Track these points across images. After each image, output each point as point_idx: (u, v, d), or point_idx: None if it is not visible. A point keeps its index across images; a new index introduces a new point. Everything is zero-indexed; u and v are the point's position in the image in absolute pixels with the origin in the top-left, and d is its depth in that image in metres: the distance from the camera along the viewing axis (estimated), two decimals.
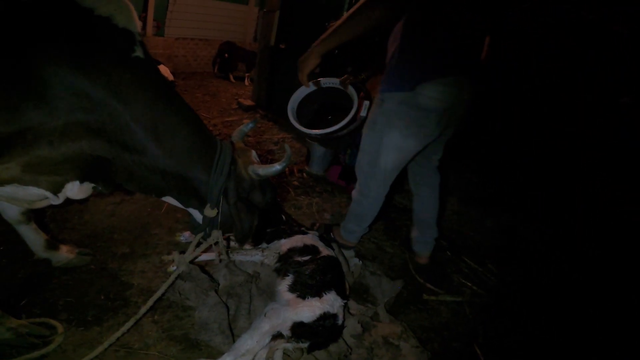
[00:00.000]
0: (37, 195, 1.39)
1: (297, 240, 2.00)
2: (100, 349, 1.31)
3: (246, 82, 7.81)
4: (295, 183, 3.23)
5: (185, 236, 2.19)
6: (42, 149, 1.23)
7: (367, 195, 2.07)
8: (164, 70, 6.27)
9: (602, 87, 3.13)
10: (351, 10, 1.64)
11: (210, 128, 4.42)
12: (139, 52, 1.35)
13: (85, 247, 2.04)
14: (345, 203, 3.01)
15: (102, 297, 1.71)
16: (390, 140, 1.84)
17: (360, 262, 2.15)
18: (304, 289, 1.63)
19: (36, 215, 1.82)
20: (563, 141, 3.35)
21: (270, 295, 1.74)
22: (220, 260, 1.86)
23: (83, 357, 1.31)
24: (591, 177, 3.08)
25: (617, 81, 3.08)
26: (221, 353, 1.40)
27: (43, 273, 1.81)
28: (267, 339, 1.40)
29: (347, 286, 1.87)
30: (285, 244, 2.00)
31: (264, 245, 2.06)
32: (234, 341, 1.46)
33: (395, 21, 1.83)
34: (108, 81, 1.26)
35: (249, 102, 5.47)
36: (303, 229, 2.22)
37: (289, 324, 1.45)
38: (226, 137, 4.02)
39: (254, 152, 1.76)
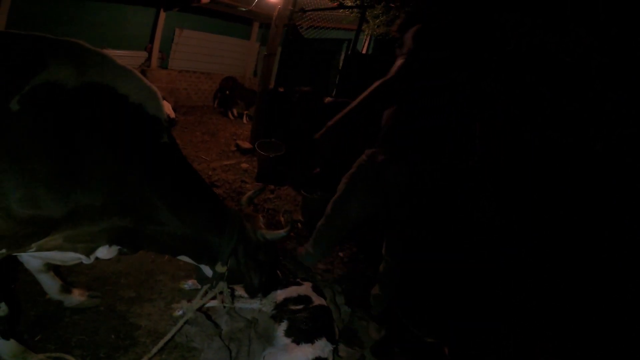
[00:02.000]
0: (72, 258, 1.57)
1: (292, 291, 2.20)
2: None
3: (244, 120, 8.06)
4: (291, 234, 3.40)
5: (189, 284, 2.36)
6: (84, 225, 1.39)
7: (326, 226, 2.50)
8: (167, 107, 6.52)
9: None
10: (356, 101, 2.06)
11: (210, 172, 4.64)
12: (165, 138, 1.53)
13: (94, 290, 2.19)
14: (337, 252, 3.21)
15: (113, 337, 1.86)
16: (354, 197, 2.33)
17: (350, 309, 2.35)
18: (298, 335, 1.82)
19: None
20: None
21: (267, 339, 1.92)
22: (225, 307, 2.05)
23: None
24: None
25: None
26: None
27: (55, 312, 1.96)
28: None
29: (337, 331, 2.07)
30: (280, 294, 2.19)
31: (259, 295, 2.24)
32: None
33: None
34: (141, 167, 1.42)
35: (247, 145, 5.68)
36: (298, 280, 2.42)
37: None
38: (224, 183, 4.28)
39: (261, 218, 1.99)
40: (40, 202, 1.21)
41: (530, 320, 2.29)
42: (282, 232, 1.82)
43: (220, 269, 1.80)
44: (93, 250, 1.56)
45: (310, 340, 1.79)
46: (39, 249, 1.42)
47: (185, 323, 1.86)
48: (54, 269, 2.10)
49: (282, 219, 1.86)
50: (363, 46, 6.66)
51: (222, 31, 8.89)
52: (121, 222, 1.47)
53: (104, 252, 1.60)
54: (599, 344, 2.16)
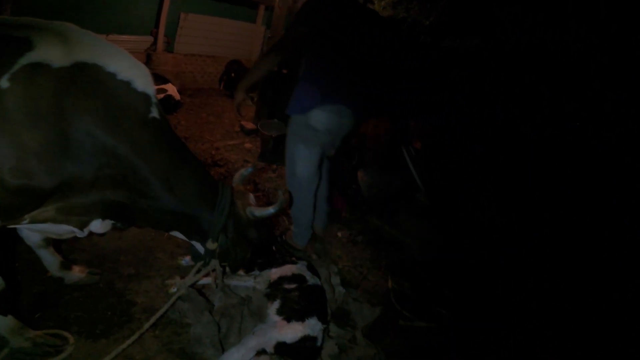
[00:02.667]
0: (66, 230, 1.62)
1: (286, 270, 2.22)
2: (107, 358, 1.51)
3: (248, 102, 8.00)
4: (289, 211, 3.42)
5: (186, 260, 2.40)
6: (75, 197, 1.45)
7: (295, 203, 2.57)
8: (172, 89, 6.48)
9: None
10: (257, 59, 2.32)
11: (213, 152, 4.66)
12: (155, 113, 1.55)
13: (94, 267, 2.24)
14: (335, 232, 3.21)
15: (109, 313, 1.92)
16: (299, 152, 2.38)
17: (344, 290, 2.35)
18: (290, 313, 1.85)
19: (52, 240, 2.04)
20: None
21: (260, 317, 1.95)
22: (217, 285, 2.08)
23: None
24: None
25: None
26: None
27: (55, 289, 2.01)
28: (252, 354, 1.63)
29: (329, 311, 2.09)
30: (275, 272, 2.21)
31: (257, 272, 2.28)
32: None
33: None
34: (131, 141, 1.46)
35: (250, 126, 5.69)
36: (293, 259, 2.43)
37: (273, 342, 1.67)
38: (227, 162, 4.31)
39: (251, 196, 2.03)
40: (32, 173, 1.27)
41: (530, 320, 2.29)
42: (270, 209, 1.83)
43: (211, 245, 1.84)
44: (86, 223, 1.61)
45: (301, 318, 1.80)
46: (33, 221, 1.47)
47: (177, 299, 1.89)
48: (55, 245, 2.16)
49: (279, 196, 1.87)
50: None
51: (227, 14, 8.71)
52: (113, 195, 1.53)
53: (98, 225, 1.65)
54: (599, 343, 2.14)
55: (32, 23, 1.38)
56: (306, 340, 1.72)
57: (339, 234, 3.18)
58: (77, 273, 2.12)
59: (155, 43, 7.85)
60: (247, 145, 5.21)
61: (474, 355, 2.01)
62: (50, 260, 2.04)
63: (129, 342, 1.59)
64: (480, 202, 3.29)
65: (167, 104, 6.21)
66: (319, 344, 1.78)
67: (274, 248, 2.52)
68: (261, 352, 1.63)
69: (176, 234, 1.91)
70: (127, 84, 1.45)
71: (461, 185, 3.47)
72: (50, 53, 1.28)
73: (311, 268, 2.36)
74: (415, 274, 2.65)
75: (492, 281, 2.60)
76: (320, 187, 2.67)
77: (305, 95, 2.30)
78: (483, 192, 3.33)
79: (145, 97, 1.51)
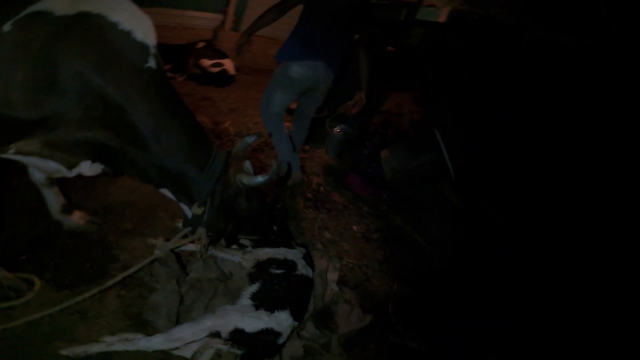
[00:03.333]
0: (54, 167, 1.64)
1: (280, 252, 2.02)
2: (55, 308, 1.47)
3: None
4: (309, 195, 3.24)
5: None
6: (60, 133, 1.49)
7: (274, 137, 2.92)
8: (229, 65, 6.69)
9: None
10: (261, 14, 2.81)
11: (251, 125, 4.61)
12: (151, 63, 1.57)
13: (98, 216, 2.27)
14: (351, 225, 2.96)
15: (88, 265, 1.89)
16: (276, 94, 2.77)
17: (338, 288, 2.10)
18: (263, 301, 1.66)
19: (64, 181, 2.06)
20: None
21: (233, 297, 1.78)
22: (201, 255, 1.96)
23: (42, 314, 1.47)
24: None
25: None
26: None
27: (52, 234, 2.04)
28: (204, 334, 1.46)
29: (311, 309, 1.85)
30: (267, 252, 2.03)
31: (248, 248, 2.12)
32: None
33: None
34: (121, 87, 1.48)
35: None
36: (293, 242, 2.23)
37: (231, 327, 1.49)
38: (261, 136, 4.20)
39: (247, 162, 1.91)
40: (12, 104, 1.35)
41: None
42: (258, 178, 1.73)
43: (197, 210, 1.78)
44: (74, 163, 1.64)
45: (270, 309, 1.60)
46: (18, 152, 1.51)
47: (153, 261, 1.80)
48: (65, 191, 2.21)
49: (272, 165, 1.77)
50: None
51: None
52: (101, 138, 1.57)
53: (87, 168, 1.68)
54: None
55: None
56: (267, 333, 1.51)
57: (355, 228, 2.90)
58: (76, 219, 2.14)
59: (224, 21, 8.11)
60: (287, 124, 5.10)
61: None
62: (52, 200, 2.08)
63: (86, 295, 1.53)
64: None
65: (222, 78, 6.51)
66: (281, 341, 1.56)
67: (274, 227, 2.35)
68: (215, 334, 1.46)
69: (166, 192, 1.86)
70: (127, 34, 1.50)
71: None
72: (56, 3, 1.40)
73: (308, 257, 2.14)
74: (427, 286, 2.30)
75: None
76: (297, 140, 3.18)
77: (289, 47, 2.73)
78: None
79: (144, 47, 1.55)
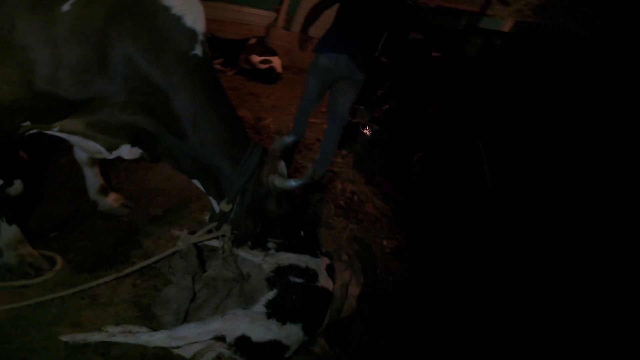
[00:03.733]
0: (94, 148, 1.68)
1: (302, 260, 1.94)
2: (68, 291, 1.47)
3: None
4: (341, 202, 3.13)
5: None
6: (102, 115, 1.52)
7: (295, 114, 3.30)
8: (277, 62, 6.77)
9: None
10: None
11: (291, 124, 4.57)
12: (198, 50, 1.55)
13: (132, 200, 2.31)
14: (382, 239, 2.81)
15: (111, 251, 1.91)
16: (307, 81, 3.14)
17: (357, 305, 1.97)
18: (276, 310, 1.58)
19: (107, 162, 2.13)
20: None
21: (248, 300, 1.72)
22: (223, 252, 1.92)
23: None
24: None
25: None
26: None
27: (85, 214, 2.11)
28: (209, 337, 1.41)
29: (325, 323, 1.75)
30: (289, 258, 1.95)
31: (271, 251, 2.05)
32: None
33: None
34: (166, 72, 1.48)
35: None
36: (318, 251, 2.14)
37: (238, 333, 1.43)
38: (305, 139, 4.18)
39: (282, 164, 1.84)
40: (60, 83, 1.35)
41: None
42: (291, 181, 1.67)
43: (225, 207, 1.75)
44: (115, 146, 1.68)
45: (282, 320, 1.52)
46: (62, 130, 1.56)
47: (174, 253, 1.78)
48: (105, 170, 2.27)
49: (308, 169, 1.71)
50: None
51: None
52: (142, 123, 1.58)
53: (126, 151, 1.71)
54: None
55: None
56: (274, 345, 1.42)
57: (385, 243, 2.75)
58: (110, 201, 2.20)
59: (276, 20, 8.25)
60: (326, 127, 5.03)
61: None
62: (91, 180, 2.15)
63: (99, 281, 1.53)
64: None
65: (269, 75, 6.60)
66: (287, 354, 1.48)
67: (302, 232, 2.28)
68: (220, 338, 1.40)
69: (196, 183, 1.85)
70: (178, 19, 1.48)
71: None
72: None
73: (331, 268, 2.04)
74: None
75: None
76: (330, 141, 3.32)
77: (321, 40, 3.03)
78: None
79: (193, 33, 1.53)
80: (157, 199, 2.44)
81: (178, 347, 1.41)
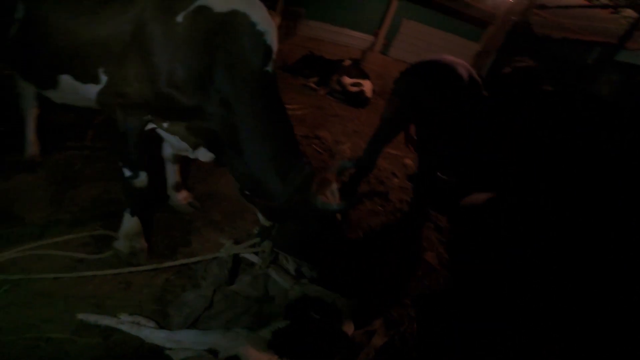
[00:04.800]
0: (183, 147, 1.92)
1: (330, 296, 1.87)
2: (108, 272, 1.69)
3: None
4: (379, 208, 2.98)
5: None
6: (197, 121, 1.73)
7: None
8: (368, 86, 6.79)
9: None
10: None
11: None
12: (269, 67, 1.69)
13: (198, 201, 2.56)
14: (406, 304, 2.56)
15: (163, 244, 2.13)
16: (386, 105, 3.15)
17: (376, 352, 1.82)
18: (280, 343, 1.54)
19: (188, 160, 2.37)
20: None
21: (261, 324, 1.70)
22: (259, 267, 1.99)
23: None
24: None
25: None
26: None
27: (156, 205, 2.38)
28: (202, 348, 1.46)
29: None
30: (317, 291, 1.90)
31: (304, 279, 2.02)
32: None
33: None
34: (243, 85, 1.64)
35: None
36: (351, 289, 2.05)
37: (231, 353, 1.43)
38: (378, 166, 4.07)
39: (335, 187, 1.85)
40: (178, 86, 1.59)
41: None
42: (334, 205, 1.71)
43: (265, 222, 1.84)
44: (197, 146, 1.89)
45: (282, 354, 1.48)
46: (169, 129, 1.80)
47: (210, 260, 1.91)
48: (185, 168, 2.53)
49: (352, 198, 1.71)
50: None
51: (450, 29, 8.39)
52: (217, 130, 1.75)
53: (202, 154, 1.92)
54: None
55: None
56: None
57: (407, 301, 2.46)
58: (180, 198, 2.47)
59: (374, 43, 8.37)
60: (407, 160, 4.83)
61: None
62: (170, 175, 2.44)
63: (140, 268, 1.74)
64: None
65: (358, 98, 6.67)
66: None
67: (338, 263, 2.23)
68: (213, 352, 1.44)
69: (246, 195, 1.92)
70: (261, 35, 1.64)
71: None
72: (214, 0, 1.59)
73: (358, 312, 1.92)
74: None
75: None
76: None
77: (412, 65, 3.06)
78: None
79: (269, 50, 1.67)
80: (220, 204, 2.65)
81: (171, 349, 1.48)
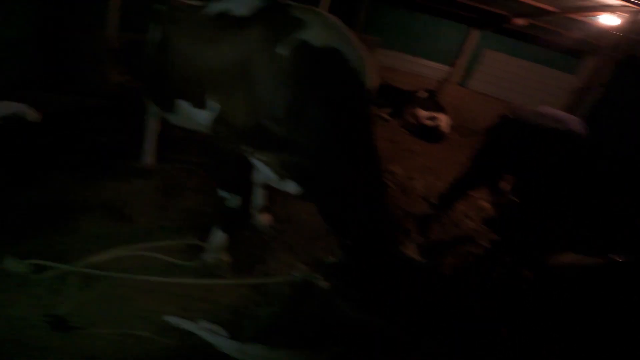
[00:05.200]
0: (274, 178, 1.98)
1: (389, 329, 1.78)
2: (203, 281, 1.88)
3: None
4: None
5: (330, 259, 2.43)
6: (290, 155, 1.77)
7: None
8: (444, 119, 6.47)
9: None
10: None
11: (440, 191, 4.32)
12: (365, 105, 1.70)
13: (279, 224, 2.72)
14: None
15: (245, 259, 2.29)
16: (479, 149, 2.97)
17: None
18: None
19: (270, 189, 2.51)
20: None
21: (324, 347, 1.70)
22: (327, 293, 2.00)
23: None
24: None
25: None
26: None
27: (241, 224, 2.56)
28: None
29: None
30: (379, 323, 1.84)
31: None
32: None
33: None
34: (334, 123, 1.62)
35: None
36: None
37: None
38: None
39: (414, 246, 1.80)
40: (277, 119, 1.63)
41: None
42: (417, 261, 1.81)
43: (328, 259, 1.90)
44: (285, 178, 1.92)
45: None
46: (263, 159, 1.87)
47: (284, 280, 2.02)
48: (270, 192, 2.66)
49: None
50: None
51: (537, 59, 7.78)
52: (307, 166, 1.75)
53: (292, 186, 1.94)
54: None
55: (307, 8, 1.80)
56: None
57: None
58: (262, 220, 2.67)
59: (452, 74, 8.11)
60: (483, 202, 4.48)
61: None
62: (257, 197, 2.63)
63: (220, 281, 1.92)
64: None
65: (433, 132, 6.38)
66: None
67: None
68: None
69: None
70: (357, 72, 1.66)
71: None
72: (315, 35, 1.64)
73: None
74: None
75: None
76: None
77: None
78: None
79: (365, 87, 1.69)
80: (300, 230, 2.77)
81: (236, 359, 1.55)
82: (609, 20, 4.59)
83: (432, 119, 6.41)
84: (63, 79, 4.53)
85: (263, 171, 2.02)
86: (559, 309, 2.29)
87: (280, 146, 1.73)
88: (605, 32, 4.96)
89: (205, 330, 1.69)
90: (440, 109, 6.63)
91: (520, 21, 6.16)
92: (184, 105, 1.98)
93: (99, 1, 4.59)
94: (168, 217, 2.50)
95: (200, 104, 1.87)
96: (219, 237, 2.10)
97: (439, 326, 2.05)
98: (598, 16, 4.68)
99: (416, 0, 7.08)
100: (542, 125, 2.66)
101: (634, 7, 3.87)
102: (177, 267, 2.07)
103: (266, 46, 1.63)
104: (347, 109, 1.66)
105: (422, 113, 6.43)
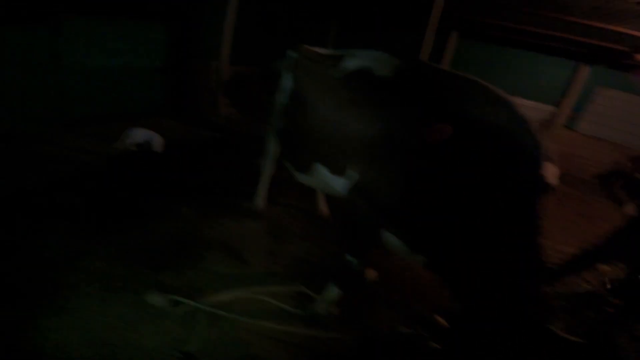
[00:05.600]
0: (404, 251, 1.78)
1: None
2: (331, 334, 1.91)
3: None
4: None
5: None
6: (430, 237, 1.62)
7: None
8: (551, 171, 5.83)
9: None
10: None
11: (550, 252, 3.82)
12: (536, 207, 1.48)
13: (381, 277, 2.64)
14: None
15: (347, 311, 2.24)
16: None
17: None
18: None
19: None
20: None
21: None
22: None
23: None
24: None
25: None
26: None
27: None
28: None
29: None
30: None
31: None
32: None
33: None
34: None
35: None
36: None
37: None
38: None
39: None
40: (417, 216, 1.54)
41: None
42: None
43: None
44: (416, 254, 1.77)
45: None
46: (397, 234, 1.71)
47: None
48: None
49: None
50: None
51: None
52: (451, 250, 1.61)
53: (419, 258, 1.76)
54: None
55: (461, 75, 1.69)
56: None
57: None
58: (368, 275, 2.62)
59: (557, 115, 7.42)
60: (602, 266, 3.87)
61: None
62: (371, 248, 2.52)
63: (330, 334, 1.96)
64: None
65: None
66: None
67: None
68: None
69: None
70: (531, 165, 1.53)
71: None
72: (478, 111, 1.51)
73: None
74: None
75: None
76: None
77: None
78: None
79: (541, 187, 1.55)
80: (399, 286, 2.65)
81: None
82: None
83: None
84: (181, 107, 5.01)
85: (392, 243, 1.81)
86: None
87: (426, 229, 1.56)
88: None
89: None
90: (544, 156, 5.99)
91: None
92: (321, 170, 1.86)
93: (214, 35, 4.75)
94: (278, 263, 2.61)
95: (339, 171, 1.75)
96: (333, 292, 2.12)
97: None
98: None
99: (512, 37, 6.50)
100: None
101: None
102: (288, 314, 2.14)
103: (407, 124, 1.47)
104: (519, 203, 1.47)
105: None
